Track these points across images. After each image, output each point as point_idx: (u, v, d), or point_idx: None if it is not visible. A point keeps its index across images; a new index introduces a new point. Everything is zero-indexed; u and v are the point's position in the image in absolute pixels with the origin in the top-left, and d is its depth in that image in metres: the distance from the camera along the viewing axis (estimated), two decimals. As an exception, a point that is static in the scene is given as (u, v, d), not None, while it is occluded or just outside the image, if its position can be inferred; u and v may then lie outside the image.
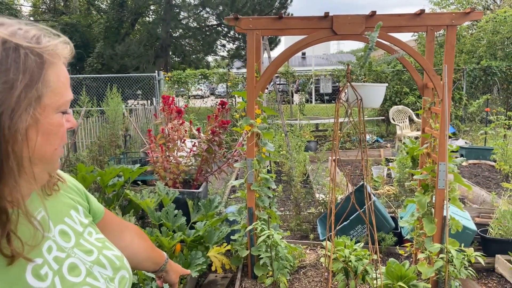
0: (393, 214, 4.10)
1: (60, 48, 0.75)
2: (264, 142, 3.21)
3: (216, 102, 12.73)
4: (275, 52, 15.83)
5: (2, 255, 0.68)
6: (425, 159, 3.24)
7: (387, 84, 3.37)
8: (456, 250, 2.63)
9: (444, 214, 2.84)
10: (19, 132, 0.67)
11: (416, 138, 7.90)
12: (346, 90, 2.86)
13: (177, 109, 3.96)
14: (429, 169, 3.01)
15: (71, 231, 0.87)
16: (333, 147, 2.80)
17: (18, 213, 0.70)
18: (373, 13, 2.76)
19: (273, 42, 17.05)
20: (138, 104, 14.65)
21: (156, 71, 11.38)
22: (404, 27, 3.07)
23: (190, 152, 3.88)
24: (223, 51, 18.79)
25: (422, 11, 2.76)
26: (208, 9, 16.82)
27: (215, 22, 17.70)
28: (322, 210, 4.32)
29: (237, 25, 2.89)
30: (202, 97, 19.42)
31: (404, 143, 5.29)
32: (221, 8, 16.15)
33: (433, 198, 2.99)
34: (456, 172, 2.91)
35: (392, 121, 8.73)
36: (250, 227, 2.89)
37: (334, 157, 2.82)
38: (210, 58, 19.98)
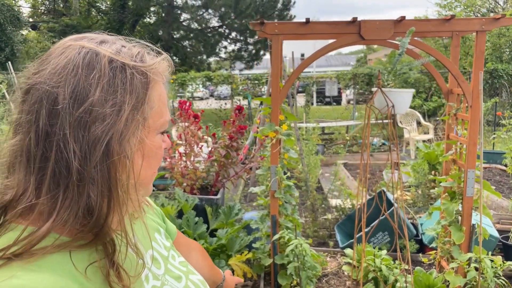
0: (412, 220, 4.05)
1: (163, 66, 0.71)
2: (287, 148, 3.16)
3: (220, 105, 12.69)
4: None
5: None
6: (450, 166, 3.20)
7: (413, 90, 3.32)
8: (488, 259, 2.58)
9: (474, 222, 2.80)
10: (128, 157, 0.62)
11: (424, 141, 7.87)
12: (371, 96, 2.81)
13: (194, 114, 3.90)
14: (456, 176, 2.96)
15: (159, 256, 0.83)
16: (362, 152, 2.76)
17: (126, 244, 0.65)
18: (402, 18, 2.72)
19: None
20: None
21: (160, 73, 11.30)
22: (431, 32, 3.03)
23: (208, 158, 3.82)
24: (224, 53, 18.75)
25: (452, 16, 2.72)
26: (210, 11, 16.77)
27: (217, 24, 17.66)
28: (339, 217, 4.27)
29: (262, 30, 2.83)
30: (201, 98, 19.36)
31: (418, 147, 5.25)
32: (223, 9, 16.11)
33: (460, 206, 2.94)
34: (485, 180, 2.87)
35: (399, 124, 8.70)
36: (277, 236, 2.83)
37: (363, 161, 2.77)
38: (211, 60, 19.92)
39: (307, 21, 2.78)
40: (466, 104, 2.84)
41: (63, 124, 0.59)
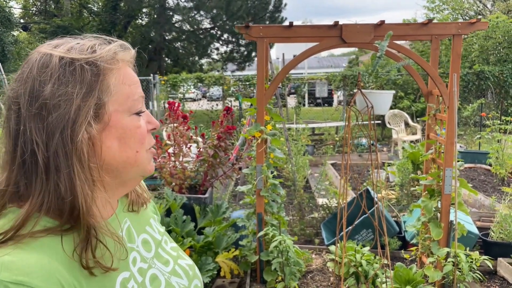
0: (395, 218, 4.16)
1: (119, 52, 0.77)
2: (273, 148, 3.25)
3: (212, 106, 12.77)
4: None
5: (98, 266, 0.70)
6: (430, 165, 3.31)
7: (394, 92, 3.43)
8: (464, 254, 2.69)
9: (452, 219, 2.91)
10: (86, 142, 0.69)
11: (412, 142, 8.00)
12: (355, 98, 2.91)
13: (182, 114, 3.98)
14: (435, 175, 3.07)
15: (151, 240, 0.90)
16: (343, 152, 2.85)
17: (106, 226, 0.73)
18: (382, 22, 2.82)
19: (267, 46, 17.07)
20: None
21: (152, 75, 11.37)
22: (410, 36, 3.14)
23: (197, 158, 3.90)
24: (216, 54, 18.83)
25: (430, 21, 2.83)
26: (202, 12, 16.83)
27: (208, 25, 17.72)
28: (325, 215, 4.36)
29: (248, 33, 2.92)
30: (194, 99, 19.40)
31: (403, 147, 5.37)
32: (215, 11, 16.18)
33: (439, 203, 3.05)
34: (462, 178, 2.98)
35: (388, 125, 8.83)
36: (261, 233, 2.92)
37: (344, 161, 2.86)
38: (203, 61, 19.98)
39: (291, 24, 2.88)
40: (444, 105, 2.95)
41: (25, 121, 0.68)
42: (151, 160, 0.83)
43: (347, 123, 2.84)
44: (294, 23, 2.90)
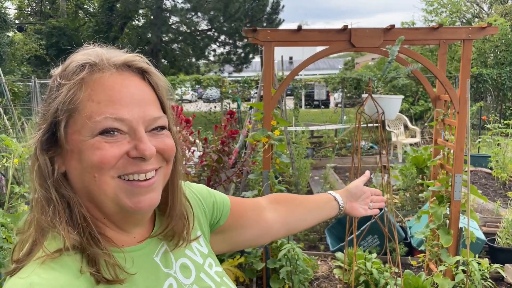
0: (400, 224, 4.12)
1: (89, 65, 0.70)
2: (279, 153, 3.20)
3: (210, 108, 12.70)
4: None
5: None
6: (438, 170, 3.27)
7: (402, 97, 3.39)
8: (476, 262, 2.65)
9: (461, 225, 2.87)
10: (40, 161, 0.68)
11: (411, 145, 7.99)
12: (364, 103, 2.86)
13: (185, 119, 3.92)
14: (444, 181, 3.03)
15: (192, 265, 0.83)
16: (353, 156, 2.81)
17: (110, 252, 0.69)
18: (392, 26, 2.78)
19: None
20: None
21: (149, 77, 11.27)
22: (420, 40, 3.11)
23: (200, 162, 3.84)
24: (213, 56, 18.78)
25: (440, 25, 2.79)
26: (199, 14, 16.78)
27: (206, 27, 17.66)
28: (329, 220, 4.32)
29: (255, 37, 2.87)
30: (190, 101, 19.34)
31: (406, 151, 5.34)
32: (212, 13, 16.13)
33: (448, 210, 3.01)
34: (472, 184, 2.94)
35: (387, 127, 8.80)
36: (269, 241, 2.87)
37: (354, 165, 2.82)
38: (200, 63, 19.91)
39: (299, 28, 2.83)
40: (453, 110, 2.92)
41: None
42: (134, 194, 0.69)
43: (357, 127, 2.80)
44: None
